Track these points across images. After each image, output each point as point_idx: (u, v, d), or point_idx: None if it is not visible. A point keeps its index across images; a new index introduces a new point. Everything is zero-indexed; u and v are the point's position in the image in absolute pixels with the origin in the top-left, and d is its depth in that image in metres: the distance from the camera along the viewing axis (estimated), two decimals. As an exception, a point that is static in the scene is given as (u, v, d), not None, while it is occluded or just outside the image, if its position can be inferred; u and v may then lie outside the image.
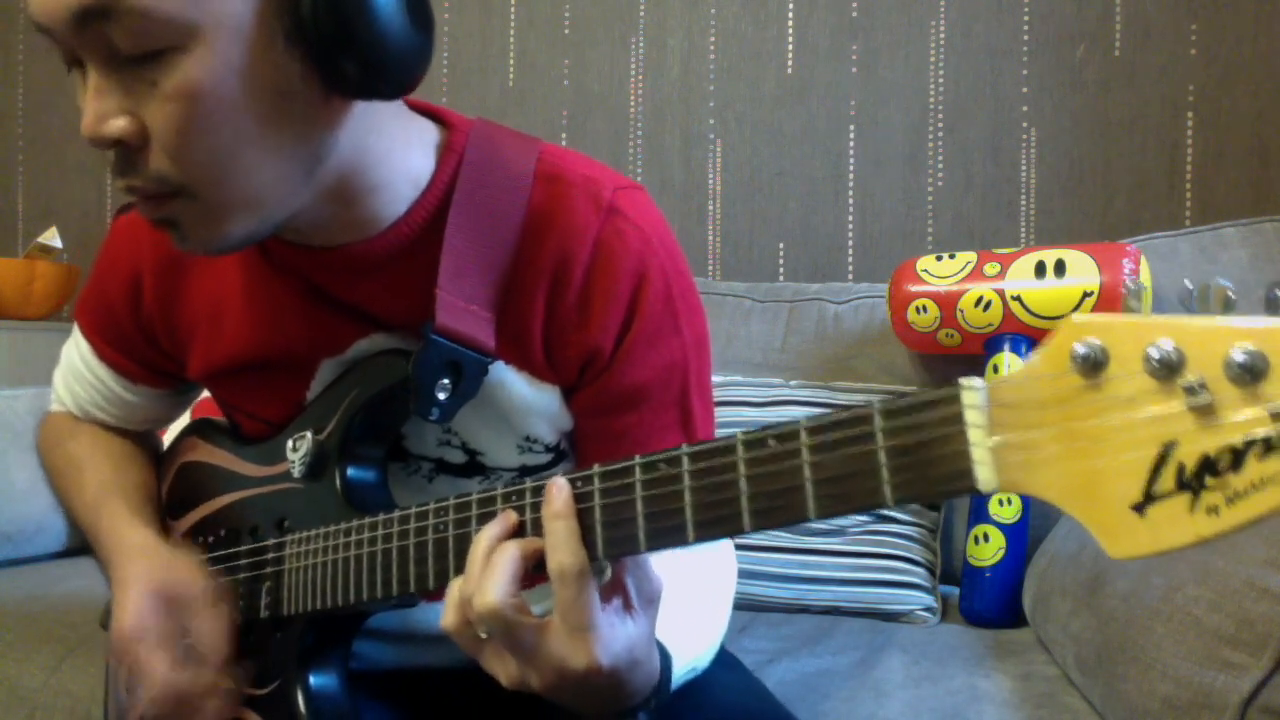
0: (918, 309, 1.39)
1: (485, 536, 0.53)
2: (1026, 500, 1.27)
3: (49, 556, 1.59)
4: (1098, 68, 1.72)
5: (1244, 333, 0.31)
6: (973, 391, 0.38)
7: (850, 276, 1.84)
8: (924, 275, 1.39)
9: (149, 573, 0.71)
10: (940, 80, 1.80)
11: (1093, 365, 0.34)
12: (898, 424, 0.41)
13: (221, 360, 0.76)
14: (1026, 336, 1.33)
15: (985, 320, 1.34)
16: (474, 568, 0.52)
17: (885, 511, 1.33)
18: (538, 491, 0.54)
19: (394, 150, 0.66)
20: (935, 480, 0.39)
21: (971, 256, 1.38)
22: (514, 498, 0.56)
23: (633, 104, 1.96)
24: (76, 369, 0.86)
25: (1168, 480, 0.32)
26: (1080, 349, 0.34)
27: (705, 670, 0.72)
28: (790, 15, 1.87)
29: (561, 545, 0.50)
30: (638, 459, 0.50)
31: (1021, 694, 0.96)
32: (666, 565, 0.56)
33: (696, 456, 0.48)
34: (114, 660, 0.70)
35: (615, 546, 0.51)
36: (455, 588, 0.54)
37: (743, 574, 1.31)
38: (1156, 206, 1.70)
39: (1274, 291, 0.33)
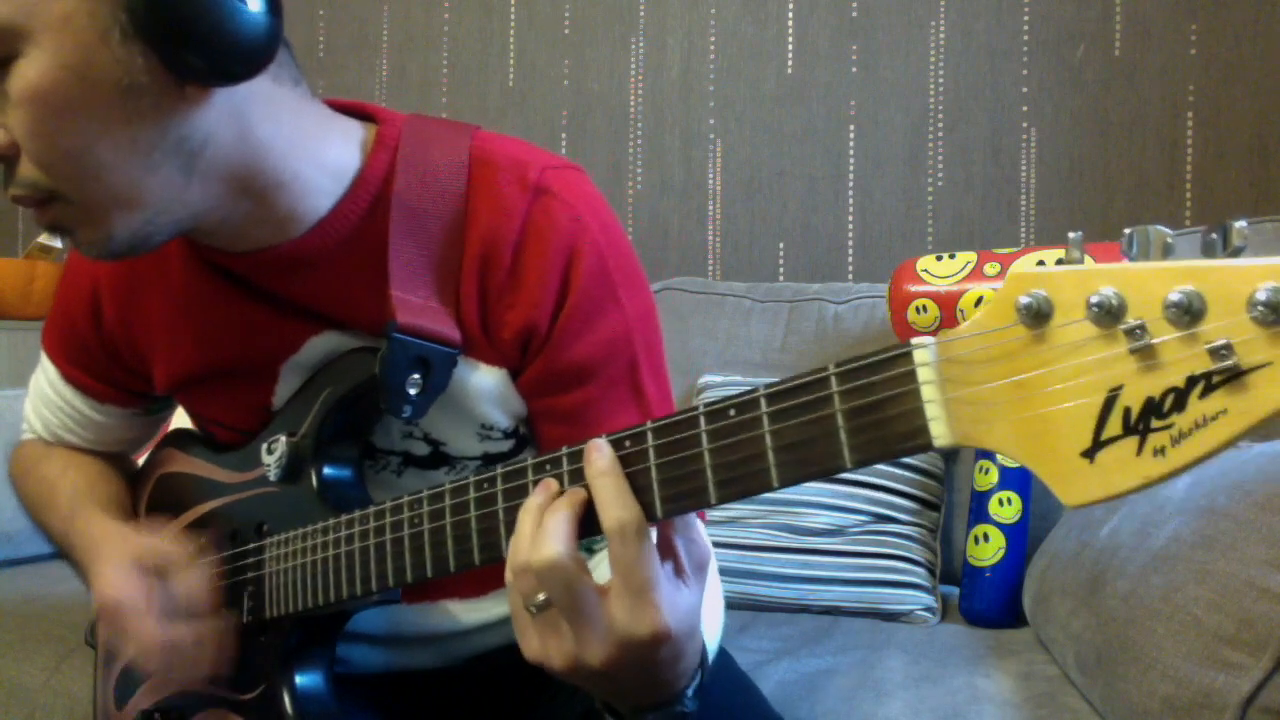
0: (918, 309, 1.39)
1: (532, 503, 0.51)
2: (1026, 500, 1.27)
3: (49, 556, 1.58)
4: (1098, 68, 1.72)
5: (1180, 274, 0.32)
6: (923, 349, 0.39)
7: (850, 276, 1.84)
8: (924, 275, 1.39)
9: (123, 548, 0.71)
10: (940, 80, 1.80)
11: (1037, 316, 0.34)
12: (852, 385, 0.41)
13: (182, 372, 0.76)
14: (1026, 336, 1.33)
15: (985, 320, 1.34)
16: (525, 528, 0.50)
17: (885, 511, 1.33)
18: (538, 469, 0.53)
19: (301, 143, 0.66)
20: (892, 439, 0.40)
21: (971, 256, 1.38)
22: (486, 485, 0.55)
23: (633, 104, 1.96)
24: (45, 395, 0.87)
25: (1115, 425, 0.33)
26: (1024, 300, 0.35)
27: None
28: (790, 15, 1.87)
29: (614, 501, 0.48)
30: (650, 425, 0.49)
31: (1021, 694, 0.96)
32: None
33: (659, 431, 0.48)
34: (101, 631, 0.70)
35: (674, 503, 0.48)
36: (510, 552, 0.51)
37: (743, 574, 1.31)
38: (1156, 206, 1.70)
39: (1209, 235, 0.33)
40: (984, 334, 0.36)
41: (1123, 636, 0.85)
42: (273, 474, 0.71)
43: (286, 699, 0.68)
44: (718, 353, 1.60)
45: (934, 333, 1.40)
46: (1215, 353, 0.31)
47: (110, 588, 0.68)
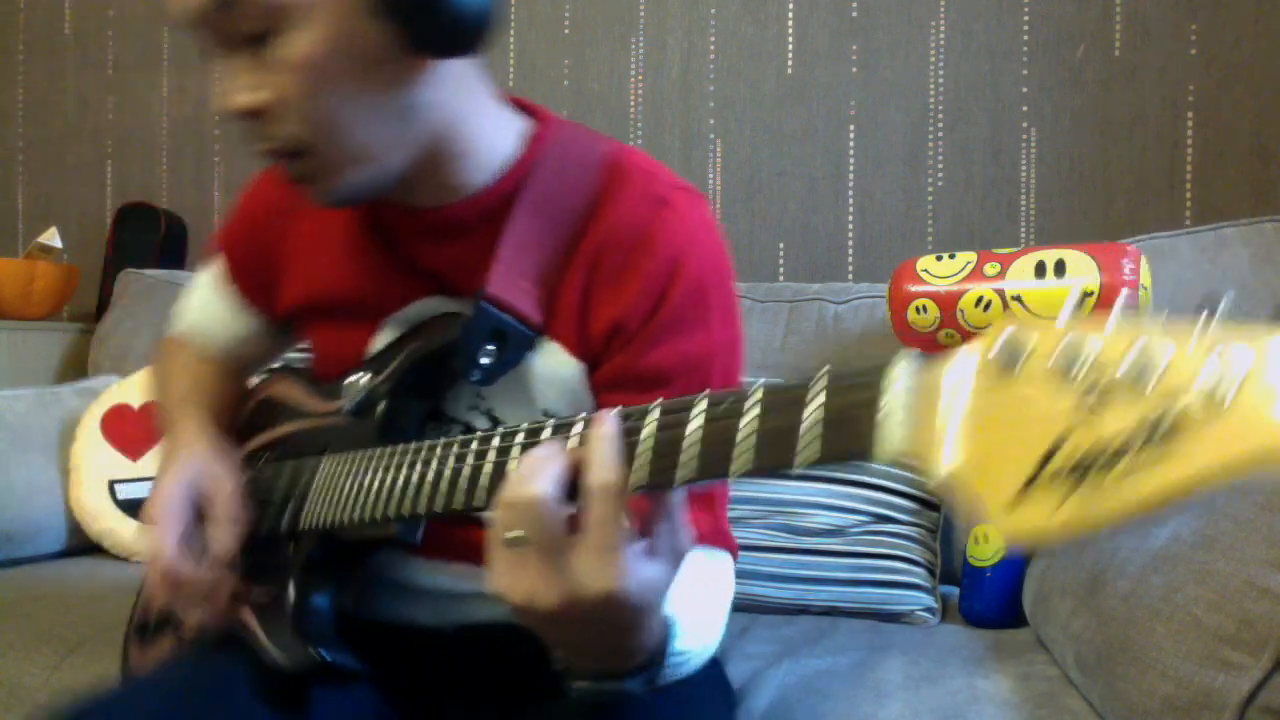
0: (918, 309, 1.39)
1: (533, 452, 0.53)
2: (1026, 500, 1.27)
3: (49, 556, 1.59)
4: (1098, 68, 1.72)
5: (1142, 336, 0.33)
6: (901, 367, 0.41)
7: (850, 276, 1.84)
8: (924, 275, 1.39)
9: (188, 468, 0.79)
10: (940, 80, 1.80)
11: (1010, 358, 0.36)
12: (832, 388, 0.43)
13: (303, 298, 0.85)
14: (1026, 336, 1.33)
15: (985, 320, 1.34)
16: (519, 470, 0.52)
17: (885, 511, 1.33)
18: (558, 429, 0.55)
19: (483, 123, 0.75)
20: (846, 447, 0.42)
21: (971, 256, 1.38)
22: (506, 437, 0.58)
23: (633, 104, 1.96)
24: (201, 293, 0.97)
25: (1051, 472, 0.34)
26: (1002, 342, 0.37)
27: (689, 680, 0.71)
28: (790, 15, 1.87)
29: (604, 462, 0.50)
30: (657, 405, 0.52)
31: (1021, 694, 0.96)
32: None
33: (666, 409, 0.50)
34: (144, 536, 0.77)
35: (657, 476, 0.50)
36: (502, 489, 0.54)
37: (743, 574, 1.30)
38: (1156, 206, 1.70)
39: (1201, 308, 0.34)
40: (961, 365, 0.38)
41: (1123, 636, 0.85)
42: (347, 406, 0.77)
43: (291, 608, 0.73)
44: (718, 353, 1.60)
45: (934, 332, 1.40)
46: (1161, 413, 0.32)
47: (158, 501, 0.77)
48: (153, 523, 0.76)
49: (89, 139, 2.29)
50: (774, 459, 0.44)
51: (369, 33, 0.65)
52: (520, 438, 0.57)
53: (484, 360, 0.71)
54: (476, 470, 0.59)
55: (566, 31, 1.99)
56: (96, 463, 1.62)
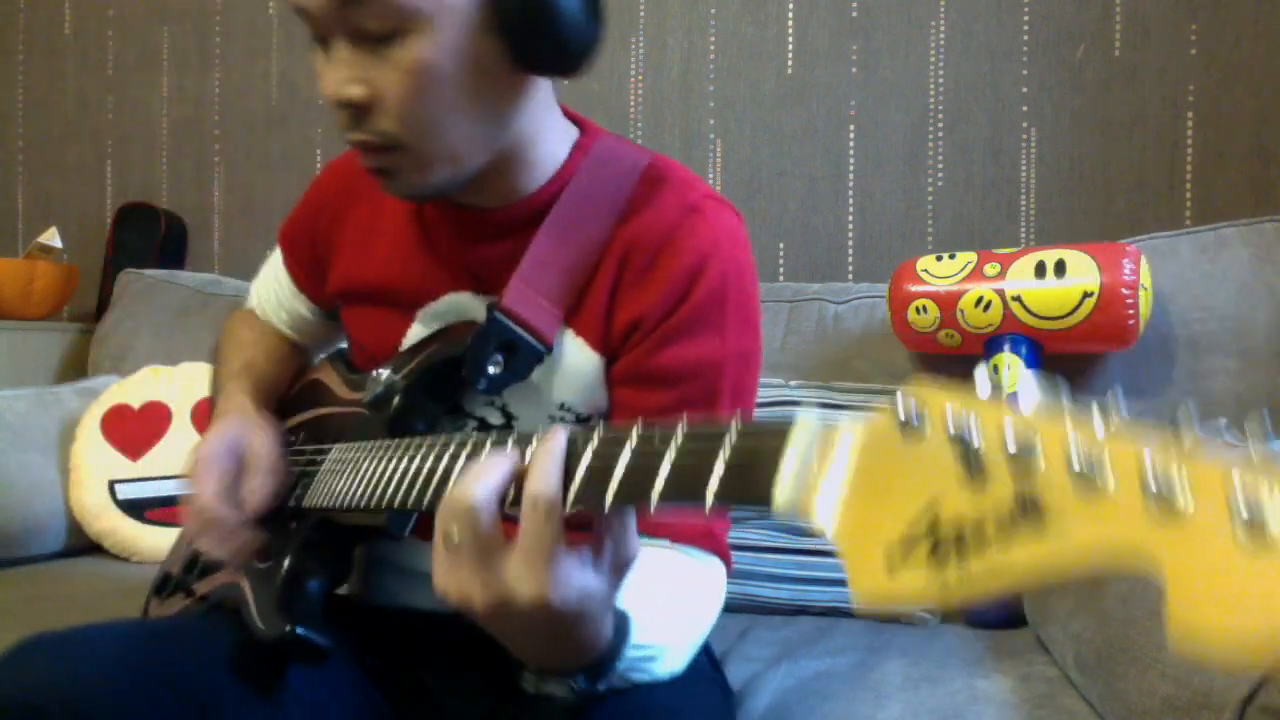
0: (918, 309, 1.39)
1: (485, 458, 0.55)
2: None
3: (49, 556, 1.59)
4: (1098, 68, 1.72)
5: (1028, 419, 0.33)
6: (805, 425, 0.42)
7: (850, 276, 1.84)
8: (924, 275, 1.39)
9: (235, 425, 0.83)
10: (940, 80, 1.80)
11: (910, 426, 0.37)
12: (743, 435, 0.44)
13: (350, 283, 0.88)
14: (1026, 337, 1.33)
15: (985, 320, 1.34)
16: (465, 474, 0.54)
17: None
18: (519, 439, 0.56)
19: (550, 134, 0.78)
20: (743, 491, 0.43)
21: (971, 256, 1.38)
22: (475, 442, 0.60)
23: (633, 104, 1.96)
24: (266, 275, 1.02)
25: (924, 541, 0.34)
26: (904, 408, 0.37)
27: (685, 679, 0.71)
28: (790, 15, 1.87)
29: (541, 475, 0.51)
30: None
31: (1021, 695, 0.96)
32: (657, 554, 0.56)
33: (606, 436, 0.51)
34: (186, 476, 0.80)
35: (580, 502, 0.52)
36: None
37: (741, 575, 1.31)
38: (1156, 206, 1.70)
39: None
40: (861, 429, 0.38)
41: (1123, 636, 0.85)
42: (367, 398, 0.79)
43: (282, 583, 0.76)
44: (717, 353, 1.60)
45: (934, 332, 1.40)
46: (1026, 501, 0.32)
47: (204, 446, 0.80)
48: (194, 469, 0.79)
49: (89, 139, 2.29)
50: (682, 498, 0.45)
51: (483, 46, 0.68)
52: (488, 446, 0.58)
53: (491, 370, 0.74)
54: (447, 473, 0.60)
55: (566, 31, 1.99)
56: (96, 463, 1.62)
